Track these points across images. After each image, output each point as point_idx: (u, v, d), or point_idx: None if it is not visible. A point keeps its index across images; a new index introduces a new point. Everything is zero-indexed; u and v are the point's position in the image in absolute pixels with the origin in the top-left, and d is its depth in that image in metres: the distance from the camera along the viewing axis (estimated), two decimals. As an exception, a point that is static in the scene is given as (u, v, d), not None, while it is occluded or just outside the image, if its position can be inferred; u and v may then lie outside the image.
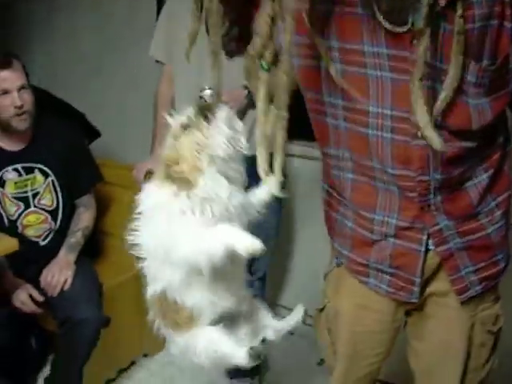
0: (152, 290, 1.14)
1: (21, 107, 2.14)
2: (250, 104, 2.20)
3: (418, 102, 1.04)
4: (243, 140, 1.10)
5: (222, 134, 1.06)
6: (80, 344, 2.05)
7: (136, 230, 1.12)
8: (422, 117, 1.04)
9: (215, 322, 1.15)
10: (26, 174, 2.19)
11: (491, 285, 1.30)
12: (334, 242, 1.38)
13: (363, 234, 1.27)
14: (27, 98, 2.17)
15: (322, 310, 1.45)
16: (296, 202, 2.73)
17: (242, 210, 1.11)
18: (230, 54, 1.36)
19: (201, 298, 1.12)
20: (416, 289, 1.27)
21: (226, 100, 2.02)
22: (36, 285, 2.13)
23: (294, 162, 2.68)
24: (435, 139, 1.04)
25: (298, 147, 2.58)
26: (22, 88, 2.16)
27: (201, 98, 2.15)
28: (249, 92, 2.17)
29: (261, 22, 1.05)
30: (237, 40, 1.27)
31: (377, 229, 1.25)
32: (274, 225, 2.48)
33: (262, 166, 1.10)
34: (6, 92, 2.13)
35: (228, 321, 1.16)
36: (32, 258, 2.17)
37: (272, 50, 1.06)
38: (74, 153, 2.29)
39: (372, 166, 1.20)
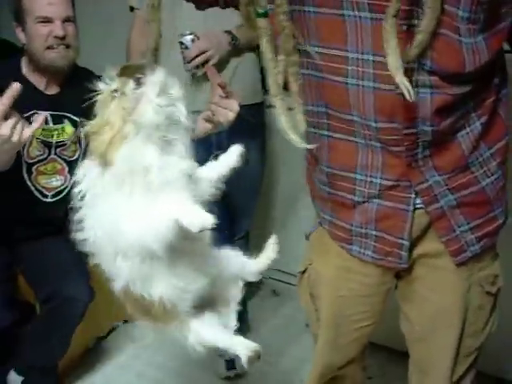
0: (116, 287, 1.07)
1: (62, 38, 1.88)
2: (234, 51, 2.08)
3: (390, 42, 0.95)
4: (181, 108, 1.04)
5: (149, 100, 0.99)
6: (67, 321, 1.96)
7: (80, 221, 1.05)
8: (392, 60, 0.95)
9: (196, 312, 1.09)
10: (54, 123, 1.97)
11: (490, 243, 1.23)
12: (314, 204, 1.32)
13: (344, 196, 1.20)
14: (72, 30, 1.92)
15: (303, 272, 1.39)
16: (280, 157, 2.63)
17: (191, 183, 1.04)
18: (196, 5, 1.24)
19: (166, 287, 1.05)
20: (404, 253, 1.20)
21: (205, 46, 1.96)
22: (22, 248, 2.01)
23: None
24: (406, 87, 0.95)
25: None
26: (67, 20, 1.91)
27: (181, 43, 2.04)
28: (232, 38, 2.06)
29: None
30: None
31: (359, 190, 1.18)
32: (257, 182, 2.41)
33: (282, 117, 1.04)
34: (47, 20, 1.87)
35: (210, 304, 1.12)
36: (32, 216, 2.01)
37: None
38: None
39: (352, 120, 1.11)
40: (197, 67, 2.06)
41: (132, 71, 1.01)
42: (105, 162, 0.98)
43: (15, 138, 1.33)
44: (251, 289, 2.85)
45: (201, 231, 0.94)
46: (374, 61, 1.03)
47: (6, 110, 1.30)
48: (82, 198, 1.04)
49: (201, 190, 1.08)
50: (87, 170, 1.04)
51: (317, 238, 1.36)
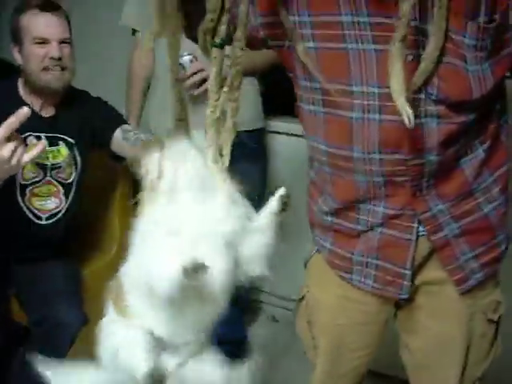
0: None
1: (58, 59, 1.86)
2: None
3: (394, 66, 0.94)
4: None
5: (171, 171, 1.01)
6: (58, 345, 1.88)
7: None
8: (395, 84, 0.94)
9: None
10: (50, 145, 1.93)
11: (493, 270, 1.20)
12: (313, 232, 1.31)
13: (347, 226, 1.19)
14: (68, 52, 1.90)
15: (301, 299, 1.37)
16: (281, 182, 2.62)
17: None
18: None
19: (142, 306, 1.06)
20: (406, 283, 1.18)
21: (201, 66, 1.95)
22: (15, 271, 1.99)
23: (279, 139, 2.57)
24: (406, 112, 0.94)
25: (283, 124, 2.47)
26: (63, 42, 1.89)
27: (179, 64, 2.01)
28: None
29: None
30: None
31: (363, 219, 1.17)
32: (258, 207, 2.38)
33: (211, 152, 1.03)
34: (43, 41, 1.86)
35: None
36: (26, 239, 1.97)
37: (226, 25, 0.98)
38: (98, 117, 2.02)
39: (351, 157, 1.10)
40: (194, 86, 2.04)
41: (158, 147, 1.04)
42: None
43: (14, 162, 1.32)
44: (251, 315, 2.82)
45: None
46: (379, 93, 1.02)
47: (11, 132, 1.29)
48: None
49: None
50: None
51: (315, 265, 1.33)
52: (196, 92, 2.04)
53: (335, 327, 1.29)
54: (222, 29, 0.97)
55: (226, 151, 1.04)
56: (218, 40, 0.98)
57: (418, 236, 1.14)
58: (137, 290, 1.05)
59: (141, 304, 1.06)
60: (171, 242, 0.97)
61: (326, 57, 1.04)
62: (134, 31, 2.23)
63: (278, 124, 2.51)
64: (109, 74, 2.94)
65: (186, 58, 2.01)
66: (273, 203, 1.09)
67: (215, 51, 0.99)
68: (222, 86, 1.01)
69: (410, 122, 0.94)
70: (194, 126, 2.10)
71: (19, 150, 1.32)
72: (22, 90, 1.94)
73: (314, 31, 1.04)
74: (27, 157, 1.34)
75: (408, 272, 1.16)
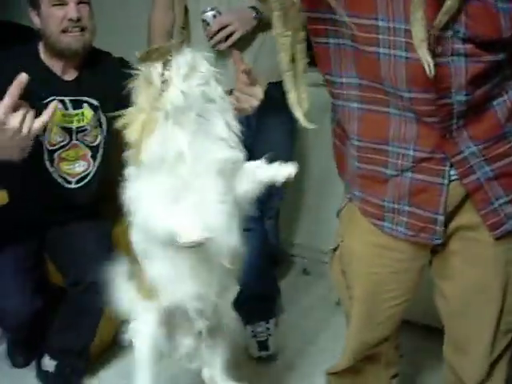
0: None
1: (77, 21, 1.83)
2: (259, 26, 2.02)
3: (415, 13, 0.91)
4: (214, 85, 1.04)
5: (175, 84, 0.99)
6: (95, 305, 1.86)
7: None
8: (417, 31, 0.93)
9: (166, 318, 1.13)
10: (74, 108, 1.93)
11: None
12: (343, 179, 1.29)
13: (375, 170, 1.17)
14: (86, 12, 1.86)
15: (335, 249, 1.36)
16: (309, 135, 2.57)
17: (229, 173, 1.06)
18: None
19: (161, 271, 1.08)
20: (439, 228, 1.15)
21: (228, 21, 1.92)
22: (49, 234, 2.01)
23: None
24: (426, 61, 0.92)
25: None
26: (81, 2, 1.85)
27: (203, 20, 1.99)
28: (257, 12, 2.00)
29: None
30: None
31: (392, 162, 1.14)
32: (287, 160, 2.38)
33: (291, 94, 1.03)
34: (61, 3, 1.82)
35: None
36: (57, 203, 1.97)
37: None
38: (121, 77, 2.02)
39: (384, 91, 1.08)
40: (219, 42, 2.02)
41: (159, 54, 1.00)
42: (139, 150, 0.99)
43: (25, 130, 1.31)
44: (282, 269, 2.84)
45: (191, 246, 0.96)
46: (406, 29, 0.99)
47: (15, 101, 1.27)
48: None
49: (236, 183, 1.09)
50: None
51: (347, 214, 1.32)
52: (222, 47, 2.02)
53: (370, 276, 1.28)
54: None
55: (305, 94, 1.05)
56: None
57: (450, 180, 1.13)
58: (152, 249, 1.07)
59: (159, 270, 1.07)
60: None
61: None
62: None
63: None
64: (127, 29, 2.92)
65: (209, 14, 1.98)
66: (278, 173, 1.15)
67: None
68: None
69: (430, 71, 0.92)
70: (224, 82, 2.12)
71: (28, 118, 1.30)
72: (43, 54, 1.92)
73: None
74: (38, 123, 1.32)
75: (441, 217, 1.15)
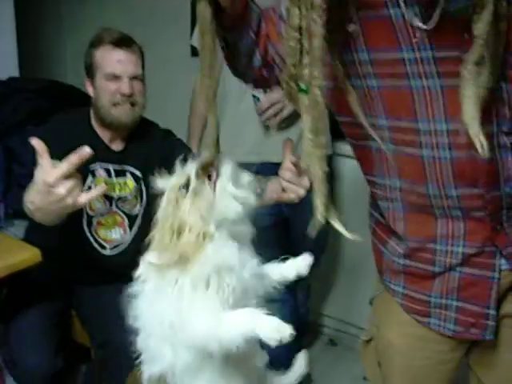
0: (149, 372, 1.09)
1: (129, 96, 1.89)
2: None
3: (467, 90, 0.88)
4: (251, 195, 1.04)
5: (229, 194, 1.00)
6: (121, 368, 1.87)
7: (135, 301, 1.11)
8: (468, 109, 0.89)
9: None
10: (117, 176, 1.99)
11: None
12: (382, 276, 1.26)
13: (422, 267, 1.14)
14: (139, 88, 1.92)
15: (369, 340, 1.33)
16: (344, 206, 2.57)
17: (257, 281, 1.05)
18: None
19: None
20: (491, 323, 1.13)
21: (276, 98, 1.97)
22: (79, 292, 2.02)
23: (339, 161, 2.53)
24: (479, 141, 0.89)
25: (342, 145, 2.45)
26: (135, 78, 1.91)
27: (253, 96, 2.05)
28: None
29: (289, 36, 0.91)
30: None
31: (440, 260, 1.12)
32: (324, 236, 2.40)
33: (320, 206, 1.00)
34: (115, 77, 1.89)
35: None
36: (90, 266, 2.00)
37: (309, 67, 0.91)
38: (167, 150, 2.00)
39: (428, 194, 1.07)
40: (269, 118, 2.08)
41: (204, 168, 1.01)
42: (185, 263, 0.98)
43: (69, 201, 1.31)
44: (309, 339, 2.81)
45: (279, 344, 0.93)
46: (448, 130, 0.99)
47: (71, 170, 1.28)
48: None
49: (262, 286, 1.08)
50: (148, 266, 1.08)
51: (383, 304, 1.29)
52: (272, 123, 2.07)
53: (412, 368, 1.26)
54: (306, 72, 0.92)
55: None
56: (303, 85, 0.93)
57: (500, 271, 1.10)
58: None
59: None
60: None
61: (389, 95, 1.00)
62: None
63: (342, 147, 2.48)
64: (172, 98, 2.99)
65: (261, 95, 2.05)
66: (299, 269, 1.14)
67: (303, 97, 0.94)
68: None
69: (484, 151, 0.89)
70: (268, 155, 2.07)
71: (77, 190, 1.30)
72: (93, 121, 1.97)
73: (375, 69, 0.99)
74: (84, 198, 1.33)
75: (493, 312, 1.12)
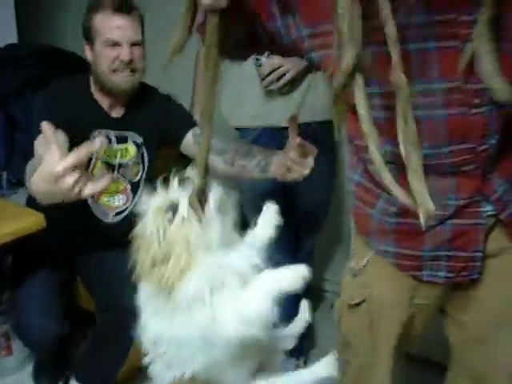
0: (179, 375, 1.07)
1: (129, 63, 1.86)
2: (310, 67, 2.06)
3: (483, 47, 0.92)
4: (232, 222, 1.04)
5: (218, 225, 1.00)
6: (126, 331, 1.89)
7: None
8: (488, 65, 0.93)
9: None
10: (118, 143, 1.97)
11: None
12: (369, 238, 1.29)
13: (413, 223, 1.15)
14: (139, 54, 1.89)
15: (358, 304, 1.35)
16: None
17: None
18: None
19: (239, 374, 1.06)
20: (478, 264, 1.20)
21: (278, 62, 1.96)
22: (82, 258, 2.04)
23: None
24: (501, 87, 0.94)
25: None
26: (135, 44, 1.88)
27: (256, 60, 2.04)
28: None
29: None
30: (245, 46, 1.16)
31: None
32: (327, 198, 2.40)
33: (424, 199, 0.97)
34: (115, 43, 1.86)
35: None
36: (92, 234, 2.01)
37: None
38: (168, 116, 2.03)
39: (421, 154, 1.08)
40: (271, 83, 2.06)
41: (195, 196, 0.99)
42: (170, 291, 0.99)
43: (76, 191, 1.29)
44: (312, 303, 2.83)
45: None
46: (442, 88, 1.02)
47: (79, 163, 1.26)
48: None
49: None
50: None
51: (373, 267, 1.31)
52: (274, 87, 2.06)
53: (402, 319, 1.31)
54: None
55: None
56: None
57: (486, 217, 1.17)
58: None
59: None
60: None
61: (386, 60, 0.99)
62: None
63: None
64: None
65: (264, 59, 2.03)
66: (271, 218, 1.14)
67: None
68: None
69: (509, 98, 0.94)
70: (272, 120, 2.08)
71: (83, 181, 1.28)
72: (93, 87, 1.96)
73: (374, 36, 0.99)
74: (89, 190, 1.31)
75: (480, 254, 1.19)
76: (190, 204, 0.98)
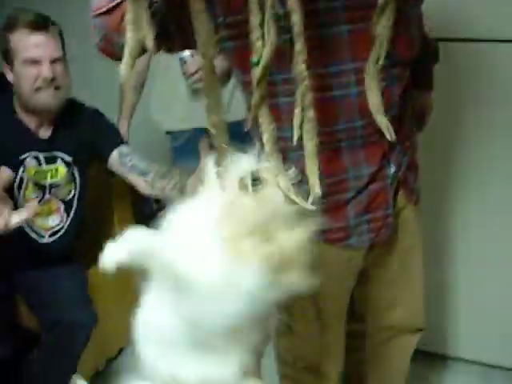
0: None
1: (52, 80, 1.83)
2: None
3: (371, 84, 1.06)
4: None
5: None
6: (73, 346, 1.95)
7: None
8: (374, 100, 1.08)
9: None
10: (47, 163, 1.95)
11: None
12: None
13: (336, 198, 1.28)
14: (61, 70, 1.86)
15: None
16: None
17: None
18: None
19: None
20: (391, 220, 1.35)
21: (196, 67, 1.95)
22: (22, 276, 2.01)
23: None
24: (385, 126, 1.11)
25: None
26: (56, 60, 1.84)
27: (180, 59, 2.03)
28: None
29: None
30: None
31: (352, 185, 1.28)
32: None
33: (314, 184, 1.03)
34: (35, 62, 1.82)
35: None
36: (29, 256, 1.99)
37: (261, 40, 0.91)
38: (95, 133, 2.02)
39: (336, 130, 1.20)
40: (197, 81, 2.05)
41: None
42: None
43: (1, 224, 1.25)
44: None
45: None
46: (354, 68, 1.13)
47: None
48: None
49: None
50: None
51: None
52: (201, 85, 2.05)
53: (343, 290, 1.42)
54: (259, 45, 0.90)
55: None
56: (255, 58, 0.92)
57: (391, 177, 1.31)
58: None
59: None
60: None
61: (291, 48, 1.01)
62: None
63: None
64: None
65: (186, 53, 2.01)
66: None
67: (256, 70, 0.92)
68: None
69: (390, 135, 1.12)
70: (198, 122, 2.06)
71: (6, 213, 1.25)
72: (18, 108, 1.92)
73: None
74: (16, 219, 1.27)
75: (391, 210, 1.33)
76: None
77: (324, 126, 1.13)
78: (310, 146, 1.00)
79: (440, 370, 2.31)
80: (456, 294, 2.24)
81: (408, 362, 1.65)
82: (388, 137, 1.11)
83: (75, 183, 2.02)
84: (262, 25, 0.90)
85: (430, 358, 2.29)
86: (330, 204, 1.27)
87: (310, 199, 1.00)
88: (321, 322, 1.43)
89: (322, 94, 1.11)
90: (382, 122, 1.10)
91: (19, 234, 1.93)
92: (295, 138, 1.00)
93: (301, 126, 0.99)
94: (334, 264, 1.34)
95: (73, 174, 2.00)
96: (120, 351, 2.42)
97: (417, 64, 1.28)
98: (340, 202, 1.28)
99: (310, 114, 0.98)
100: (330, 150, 1.22)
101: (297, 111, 0.98)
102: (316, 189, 1.02)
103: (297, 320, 1.44)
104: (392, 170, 1.32)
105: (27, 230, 1.97)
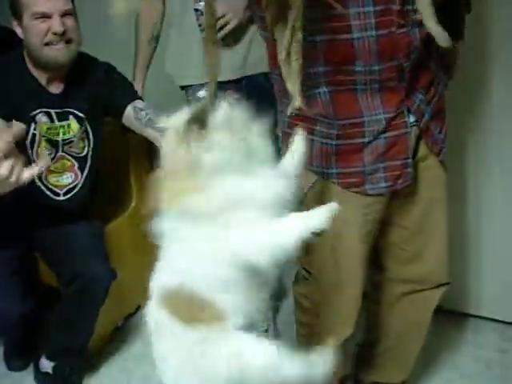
0: (165, 281, 1.08)
1: (62, 34, 1.78)
2: (252, 17, 2.01)
3: None
4: (252, 126, 1.02)
5: (226, 139, 0.98)
6: (92, 301, 1.95)
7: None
8: (425, 9, 1.12)
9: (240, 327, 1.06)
10: (59, 120, 1.92)
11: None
12: (312, 165, 1.35)
13: (352, 142, 1.31)
14: (71, 24, 1.82)
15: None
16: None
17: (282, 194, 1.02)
18: None
19: (239, 300, 1.04)
20: (410, 169, 1.35)
21: (221, 11, 1.91)
22: (40, 234, 2.01)
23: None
24: (440, 35, 1.13)
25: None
26: (66, 14, 1.80)
27: (196, 10, 1.97)
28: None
29: None
30: None
31: (368, 130, 1.29)
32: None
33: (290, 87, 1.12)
34: (44, 16, 1.78)
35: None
36: (46, 214, 1.98)
37: None
38: (109, 87, 1.99)
39: (353, 71, 1.22)
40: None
41: (197, 119, 0.98)
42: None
43: (13, 179, 1.28)
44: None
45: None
46: (374, 11, 1.15)
47: (9, 148, 1.24)
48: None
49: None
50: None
51: (319, 194, 1.37)
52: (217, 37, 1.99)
53: (361, 237, 1.42)
54: None
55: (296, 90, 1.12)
56: None
57: (410, 126, 1.32)
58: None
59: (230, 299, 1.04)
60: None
61: None
62: None
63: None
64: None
65: (202, 3, 1.95)
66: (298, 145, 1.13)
67: None
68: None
69: (447, 42, 1.15)
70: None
71: (17, 167, 1.27)
72: (28, 64, 1.88)
73: None
74: (27, 173, 1.30)
75: (410, 160, 1.34)
76: (191, 122, 0.98)
77: (341, 65, 1.21)
78: (296, 64, 1.09)
79: (460, 327, 2.29)
80: (479, 250, 2.21)
81: (429, 317, 1.64)
82: (444, 43, 1.14)
83: (89, 139, 1.99)
84: None
85: (450, 315, 2.28)
86: (347, 147, 1.30)
87: (289, 109, 1.12)
88: (339, 270, 1.45)
89: (341, 35, 1.16)
90: (433, 29, 1.13)
91: (35, 194, 1.93)
92: (282, 56, 1.09)
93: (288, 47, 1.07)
94: (349, 208, 1.31)
95: (86, 131, 1.97)
96: (138, 308, 2.42)
97: (448, 12, 1.23)
98: (355, 145, 1.30)
99: (299, 35, 1.06)
100: (345, 91, 1.25)
101: (287, 31, 1.06)
102: (297, 101, 1.11)
103: (316, 268, 1.49)
104: (412, 118, 1.32)
105: (43, 188, 1.95)
